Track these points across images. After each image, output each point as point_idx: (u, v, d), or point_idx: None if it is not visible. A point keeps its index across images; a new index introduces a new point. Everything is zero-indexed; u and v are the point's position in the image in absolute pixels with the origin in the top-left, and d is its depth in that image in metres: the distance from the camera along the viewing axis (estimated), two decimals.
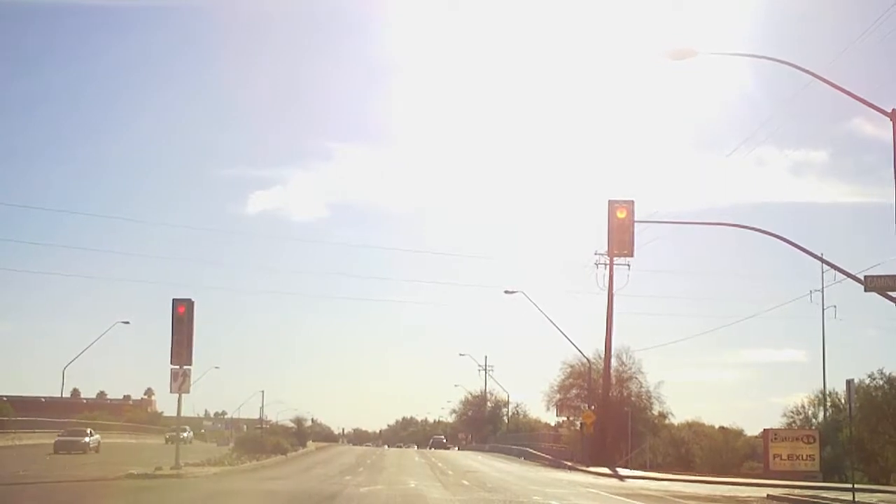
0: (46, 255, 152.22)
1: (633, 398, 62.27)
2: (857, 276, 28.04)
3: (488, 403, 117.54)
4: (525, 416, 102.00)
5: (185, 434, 68.94)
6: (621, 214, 28.44)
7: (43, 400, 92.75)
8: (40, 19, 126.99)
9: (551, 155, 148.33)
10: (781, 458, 41.77)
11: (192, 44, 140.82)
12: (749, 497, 30.89)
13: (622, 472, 45.19)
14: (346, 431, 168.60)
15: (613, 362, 57.17)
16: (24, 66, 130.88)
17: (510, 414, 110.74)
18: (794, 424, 53.20)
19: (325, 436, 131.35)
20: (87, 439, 51.65)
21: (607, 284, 53.45)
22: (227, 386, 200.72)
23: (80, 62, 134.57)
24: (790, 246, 30.15)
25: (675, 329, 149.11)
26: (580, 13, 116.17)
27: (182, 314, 32.24)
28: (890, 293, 26.57)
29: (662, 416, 64.27)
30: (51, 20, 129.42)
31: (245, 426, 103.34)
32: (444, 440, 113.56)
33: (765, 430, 45.10)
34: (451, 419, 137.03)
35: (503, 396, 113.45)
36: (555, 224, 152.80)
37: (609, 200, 28.56)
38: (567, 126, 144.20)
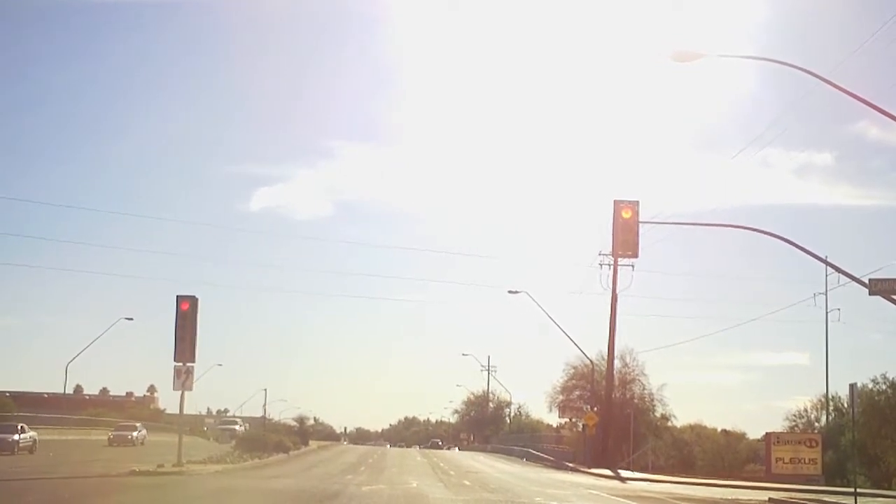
0: (50, 250, 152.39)
1: (635, 400, 62.26)
2: (862, 279, 28.02)
3: (490, 404, 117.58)
4: (527, 416, 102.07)
5: (134, 433, 59.58)
6: (626, 215, 28.41)
7: (45, 396, 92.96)
8: (46, 18, 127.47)
9: (556, 155, 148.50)
10: (784, 462, 41.75)
11: (197, 42, 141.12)
12: (751, 500, 30.84)
13: (624, 473, 45.18)
14: (348, 431, 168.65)
15: (617, 364, 57.15)
16: (27, 64, 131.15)
17: (512, 415, 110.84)
18: (796, 428, 53.26)
19: (327, 435, 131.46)
20: (15, 437, 43.34)
21: (611, 285, 53.42)
22: (229, 383, 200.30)
23: (84, 60, 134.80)
24: (795, 248, 30.13)
25: (678, 331, 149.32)
26: (583, 13, 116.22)
27: (186, 311, 32.23)
28: (894, 297, 26.53)
29: (665, 418, 64.30)
30: (57, 19, 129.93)
31: (248, 424, 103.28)
32: (440, 442, 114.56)
33: (767, 433, 45.10)
34: (453, 419, 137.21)
35: (505, 397, 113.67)
36: (559, 224, 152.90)
37: (614, 200, 28.54)
38: (572, 126, 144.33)
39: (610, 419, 54.47)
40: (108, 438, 57.81)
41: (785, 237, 30.40)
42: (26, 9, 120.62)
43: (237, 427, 73.39)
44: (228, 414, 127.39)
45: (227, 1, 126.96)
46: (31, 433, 45.52)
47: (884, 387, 44.36)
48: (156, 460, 32.43)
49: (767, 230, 31.36)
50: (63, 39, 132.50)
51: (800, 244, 30.23)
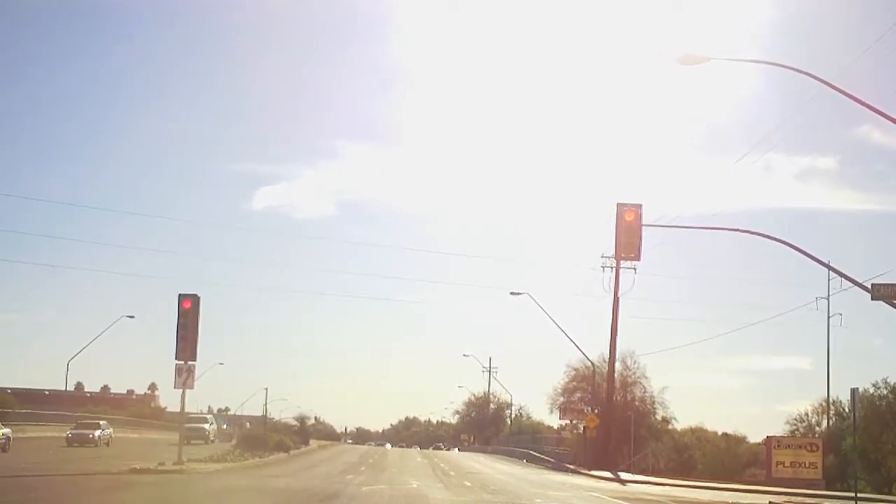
0: (52, 247, 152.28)
1: (636, 403, 62.25)
2: (864, 284, 27.99)
3: (491, 405, 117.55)
4: (528, 418, 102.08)
5: (97, 432, 51.75)
6: (629, 217, 28.33)
7: (47, 392, 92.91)
8: (46, 18, 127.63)
9: (559, 157, 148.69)
10: (784, 466, 41.71)
11: (202, 41, 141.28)
12: None
13: (624, 476, 45.16)
14: (348, 430, 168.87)
15: (618, 366, 57.16)
16: (28, 64, 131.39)
17: (513, 416, 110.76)
18: (797, 432, 53.15)
19: (328, 434, 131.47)
20: None
21: (613, 288, 53.42)
22: (230, 382, 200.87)
23: (87, 59, 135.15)
24: (797, 252, 30.09)
25: (680, 334, 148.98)
26: (586, 14, 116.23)
27: (188, 309, 32.19)
28: None
29: (665, 420, 64.28)
30: (57, 20, 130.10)
31: (248, 423, 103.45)
32: (442, 445, 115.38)
33: (768, 437, 45.06)
34: (453, 420, 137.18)
35: (506, 398, 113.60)
36: (562, 226, 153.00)
37: (617, 203, 28.44)
38: (575, 128, 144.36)
39: (611, 421, 54.44)
40: (66, 437, 50.45)
41: (787, 241, 30.39)
42: (25, 9, 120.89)
43: (207, 426, 63.54)
44: (230, 412, 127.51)
45: (228, 1, 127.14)
46: (5, 430, 42.40)
47: (885, 391, 44.37)
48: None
49: (770, 234, 31.36)
50: (64, 40, 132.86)
51: (802, 248, 30.22)
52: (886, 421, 43.24)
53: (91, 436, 50.91)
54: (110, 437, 54.71)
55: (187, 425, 61.41)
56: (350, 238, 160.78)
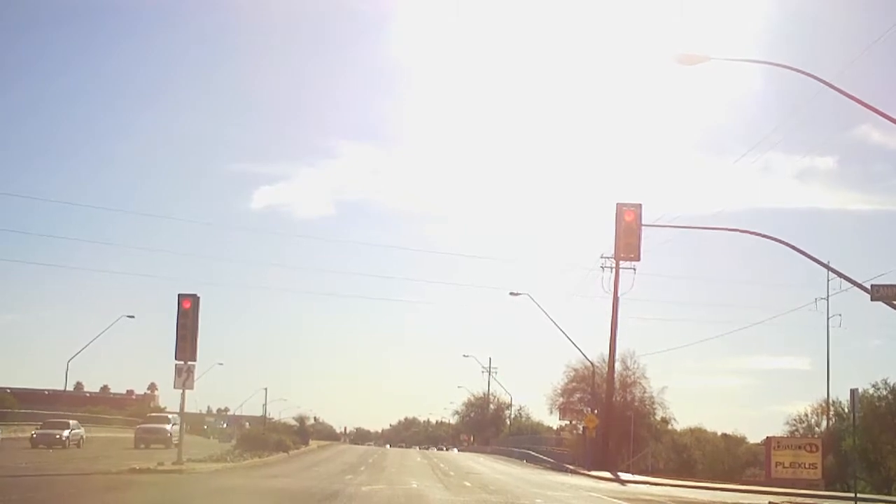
0: (52, 247, 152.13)
1: (636, 403, 62.22)
2: (864, 284, 27.97)
3: (491, 405, 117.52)
4: (528, 418, 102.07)
5: (65, 432, 47.72)
6: (629, 218, 28.30)
7: (46, 392, 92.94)
8: (49, 18, 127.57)
9: (559, 158, 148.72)
10: (783, 466, 41.67)
11: (202, 42, 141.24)
12: None
13: (624, 476, 45.15)
14: (348, 430, 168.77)
15: (617, 367, 57.11)
16: (29, 64, 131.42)
17: (513, 416, 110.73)
18: (796, 432, 53.07)
19: (327, 434, 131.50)
20: None
21: (613, 288, 53.40)
22: (230, 383, 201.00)
23: (88, 59, 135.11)
24: (797, 253, 30.06)
25: (679, 334, 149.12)
26: (586, 15, 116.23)
27: (187, 309, 32.19)
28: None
29: (665, 421, 64.25)
30: (59, 19, 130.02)
31: (247, 423, 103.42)
32: (442, 446, 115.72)
33: (767, 437, 45.01)
34: (453, 420, 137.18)
35: (506, 399, 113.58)
36: (562, 226, 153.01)
37: (617, 203, 28.41)
38: (575, 128, 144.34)
39: (610, 422, 54.40)
40: (31, 438, 46.60)
41: (787, 242, 30.34)
42: (26, 9, 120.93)
43: (168, 427, 52.44)
44: (229, 412, 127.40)
45: (228, 1, 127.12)
46: None
47: (884, 392, 44.31)
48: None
49: (769, 234, 31.33)
50: (64, 40, 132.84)
51: (802, 249, 30.17)
52: (886, 421, 43.19)
53: (58, 436, 47.00)
54: (81, 437, 51.03)
55: (143, 426, 53.99)
56: (349, 238, 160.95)
